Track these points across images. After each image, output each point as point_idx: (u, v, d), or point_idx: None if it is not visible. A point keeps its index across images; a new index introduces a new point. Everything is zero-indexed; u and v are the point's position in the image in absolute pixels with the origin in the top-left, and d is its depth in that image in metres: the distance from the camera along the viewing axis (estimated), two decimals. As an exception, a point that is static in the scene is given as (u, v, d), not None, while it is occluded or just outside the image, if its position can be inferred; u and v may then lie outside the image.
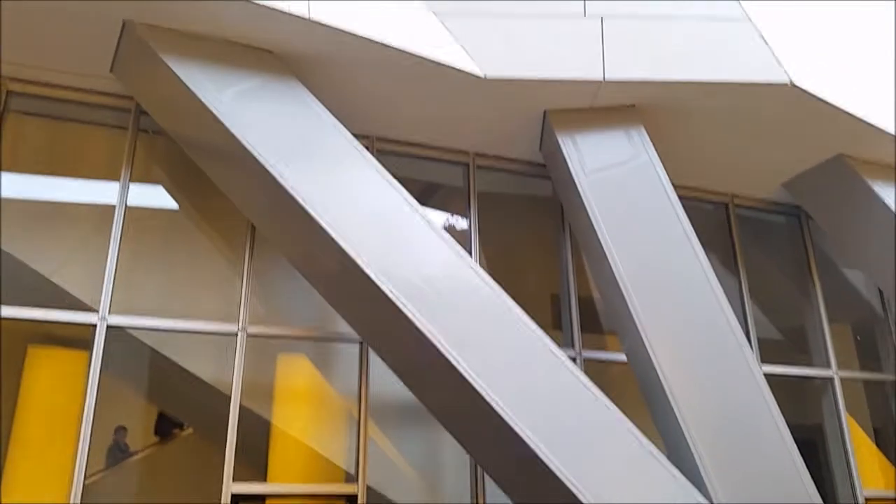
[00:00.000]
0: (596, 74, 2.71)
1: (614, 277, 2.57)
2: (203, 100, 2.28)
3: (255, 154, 2.28)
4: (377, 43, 2.47)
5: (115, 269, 2.49)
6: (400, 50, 2.50)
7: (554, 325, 3.12)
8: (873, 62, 3.22)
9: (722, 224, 3.60)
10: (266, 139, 2.32)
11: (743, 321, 3.37)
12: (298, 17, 2.34)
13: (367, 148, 2.81)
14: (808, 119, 2.96)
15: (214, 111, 2.29)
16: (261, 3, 2.27)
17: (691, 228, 2.70)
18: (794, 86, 2.78)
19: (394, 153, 3.02)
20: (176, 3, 2.27)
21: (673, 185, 2.78)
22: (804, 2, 3.13)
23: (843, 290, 3.85)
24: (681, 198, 2.78)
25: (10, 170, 2.61)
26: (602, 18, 2.75)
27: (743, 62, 2.79)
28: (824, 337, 3.51)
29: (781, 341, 3.71)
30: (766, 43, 2.81)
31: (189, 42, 2.34)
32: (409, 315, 2.25)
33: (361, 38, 2.44)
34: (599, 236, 2.62)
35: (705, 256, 2.67)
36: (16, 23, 2.32)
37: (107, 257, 2.49)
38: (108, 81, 2.60)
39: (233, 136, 2.29)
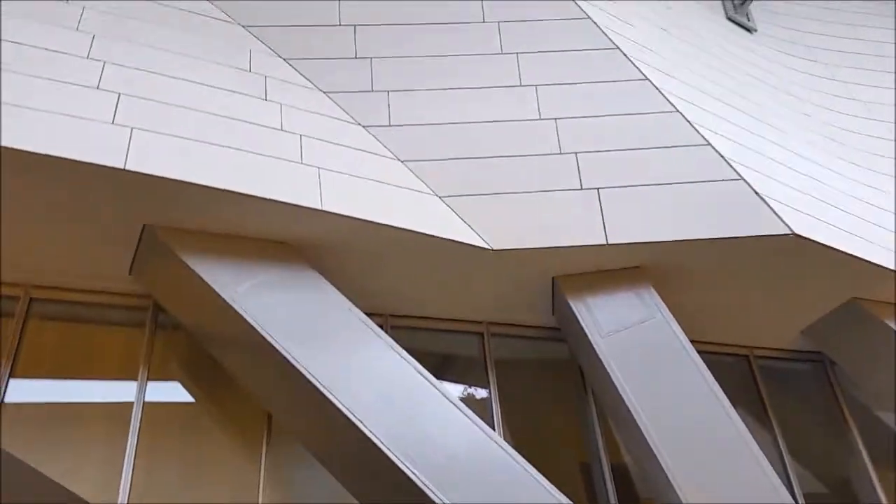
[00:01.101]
0: (598, 239, 2.79)
1: (646, 442, 2.49)
2: (221, 294, 2.35)
3: (271, 340, 2.31)
4: (386, 226, 2.57)
5: (133, 468, 2.45)
6: (409, 230, 2.61)
7: (587, 496, 2.99)
8: (868, 205, 3.32)
9: (746, 377, 3.55)
10: (281, 325, 2.36)
11: (785, 477, 3.23)
12: (311, 209, 2.46)
13: (382, 326, 2.84)
14: (815, 266, 3.00)
15: (232, 303, 2.34)
16: (275, 199, 2.40)
17: (717, 384, 2.66)
18: (796, 235, 2.84)
19: (408, 328, 3.05)
20: (194, 207, 2.39)
21: (690, 341, 2.77)
22: (791, 155, 3.29)
23: (882, 434, 3.72)
24: (700, 353, 2.77)
25: (26, 375, 2.63)
26: (598, 190, 2.88)
27: (740, 217, 2.87)
28: (873, 485, 3.35)
29: (828, 494, 3.54)
30: (761, 196, 2.90)
31: (207, 241, 2.44)
32: (436, 500, 2.17)
33: (371, 223, 2.54)
34: (625, 400, 2.57)
35: (734, 412, 2.61)
36: (39, 230, 2.43)
37: (124, 456, 2.45)
38: (126, 283, 2.68)
39: (249, 325, 2.33)
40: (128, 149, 2.26)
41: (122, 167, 2.21)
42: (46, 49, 2.44)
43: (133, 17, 2.71)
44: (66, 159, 2.16)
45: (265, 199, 2.37)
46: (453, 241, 2.67)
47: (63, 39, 2.50)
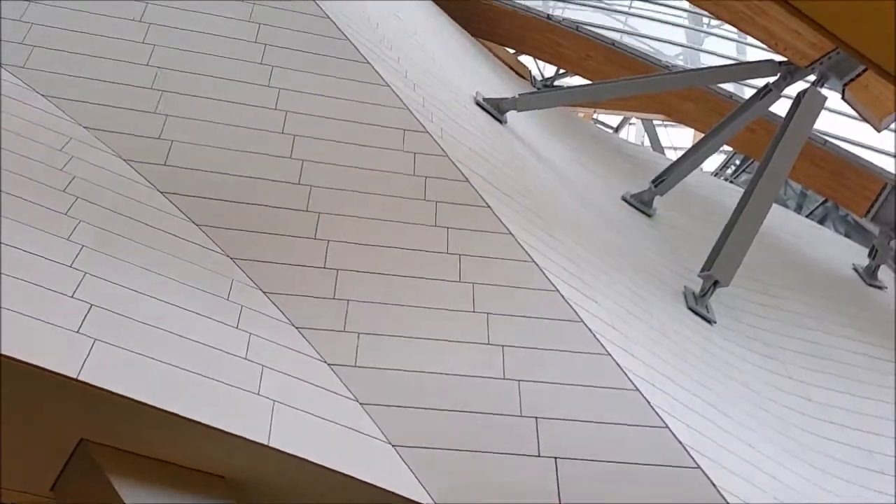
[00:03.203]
0: (552, 510, 2.69)
1: None
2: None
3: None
4: (331, 470, 2.49)
5: None
6: (353, 477, 2.52)
7: None
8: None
9: None
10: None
11: None
12: (258, 443, 2.39)
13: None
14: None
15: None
16: (222, 429, 2.35)
17: None
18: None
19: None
20: (138, 427, 2.33)
21: None
22: (749, 449, 3.30)
23: None
24: None
25: None
26: (556, 459, 2.84)
27: None
28: None
29: None
30: (718, 489, 2.85)
31: (141, 464, 2.34)
32: None
33: (316, 465, 2.46)
34: None
35: None
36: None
37: None
38: (44, 499, 2.51)
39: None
40: (85, 359, 2.26)
41: (74, 376, 2.20)
42: (34, 254, 2.54)
43: (126, 236, 2.86)
44: (18, 360, 2.15)
45: (211, 426, 2.32)
46: (397, 494, 2.57)
47: (52, 246, 2.61)
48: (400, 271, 3.22)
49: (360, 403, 2.85)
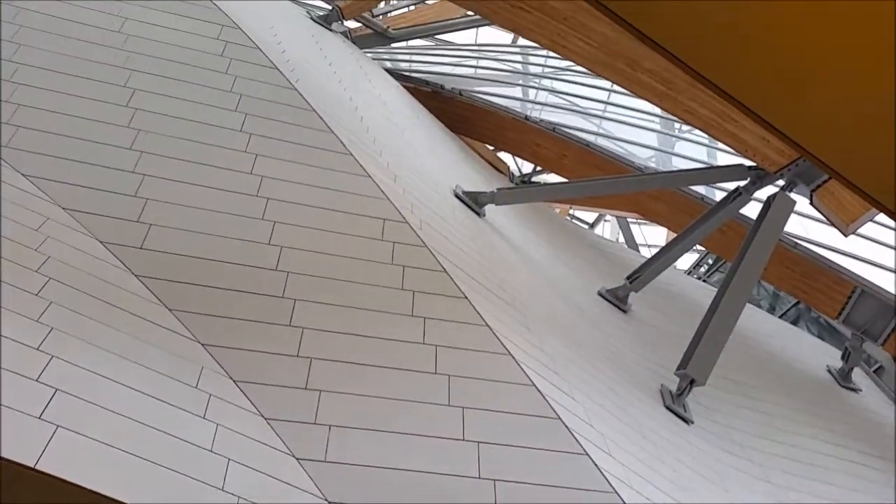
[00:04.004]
0: None
1: None
2: None
3: None
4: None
5: None
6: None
7: None
8: None
9: None
10: None
11: None
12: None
13: None
14: None
15: None
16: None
17: None
18: None
19: None
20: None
21: None
22: None
23: None
24: None
25: None
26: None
27: None
28: None
29: None
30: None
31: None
32: None
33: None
34: None
35: None
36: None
37: None
38: None
39: None
40: (45, 447, 2.16)
41: (32, 465, 2.10)
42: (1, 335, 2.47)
43: (96, 319, 2.80)
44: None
45: (172, 524, 2.21)
46: None
47: (20, 327, 2.54)
48: (375, 361, 3.17)
49: (328, 502, 2.74)
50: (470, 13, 7.62)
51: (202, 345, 3.00)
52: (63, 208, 3.26)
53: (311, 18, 6.70)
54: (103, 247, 3.18)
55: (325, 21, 6.78)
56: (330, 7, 6.97)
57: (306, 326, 3.18)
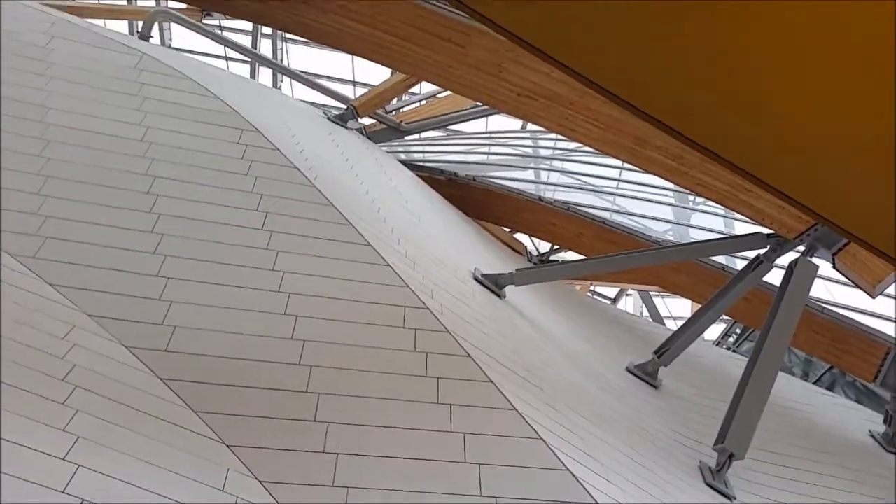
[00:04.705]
0: None
1: None
2: None
3: None
4: None
5: None
6: None
7: None
8: None
9: None
10: None
11: None
12: None
13: None
14: None
15: None
16: None
17: None
18: None
19: None
20: None
21: None
22: None
23: None
24: None
25: None
26: None
27: None
28: None
29: None
30: None
31: None
32: None
33: None
34: None
35: None
36: None
37: None
38: None
39: None
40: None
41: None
42: (27, 446, 2.46)
43: (123, 425, 2.79)
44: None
45: None
46: None
47: (47, 438, 2.54)
48: (402, 454, 3.11)
49: None
50: (479, 104, 7.85)
51: (227, 446, 2.97)
52: (88, 315, 3.30)
53: (328, 118, 6.93)
54: (128, 352, 3.20)
55: (341, 119, 7.01)
56: (345, 106, 7.23)
57: (331, 421, 3.15)
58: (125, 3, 11.45)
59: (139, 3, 11.35)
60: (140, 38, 8.59)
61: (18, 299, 3.26)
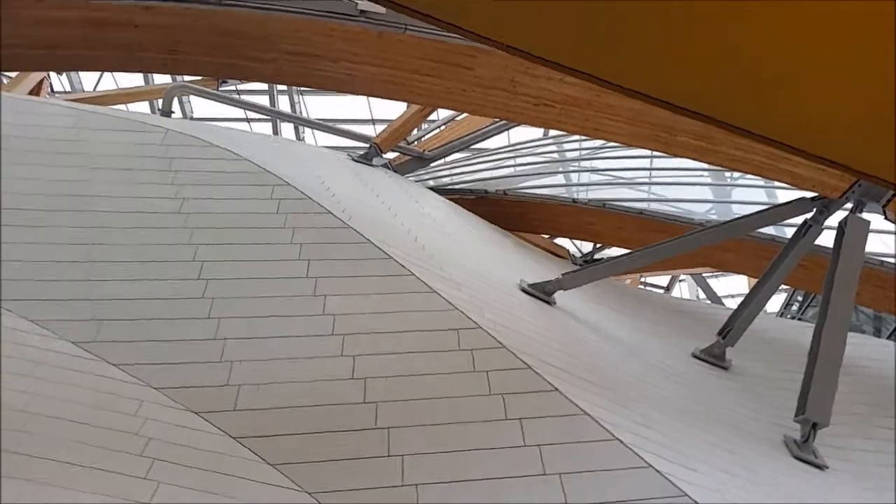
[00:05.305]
0: None
1: None
2: None
3: None
4: None
5: None
6: None
7: None
8: None
9: None
10: None
11: None
12: None
13: None
14: None
15: None
16: None
17: None
18: None
19: None
20: None
21: None
22: None
23: None
24: None
25: None
26: None
27: None
28: None
29: None
30: None
31: None
32: None
33: None
34: None
35: None
36: None
37: None
38: None
39: None
40: None
41: None
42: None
43: (206, 489, 2.84)
44: None
45: None
46: None
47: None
48: (479, 475, 3.10)
49: None
50: (498, 119, 7.89)
51: (309, 493, 3.00)
52: (155, 388, 3.38)
53: (353, 159, 7.04)
54: (199, 417, 3.27)
55: (366, 158, 7.11)
56: (368, 145, 7.32)
57: (405, 453, 3.16)
58: (143, 84, 11.83)
59: (156, 82, 11.71)
60: (162, 114, 8.86)
61: (86, 384, 3.36)
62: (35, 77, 9.14)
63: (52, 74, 10.46)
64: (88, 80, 13.05)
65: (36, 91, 9.19)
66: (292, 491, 3.00)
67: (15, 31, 4.26)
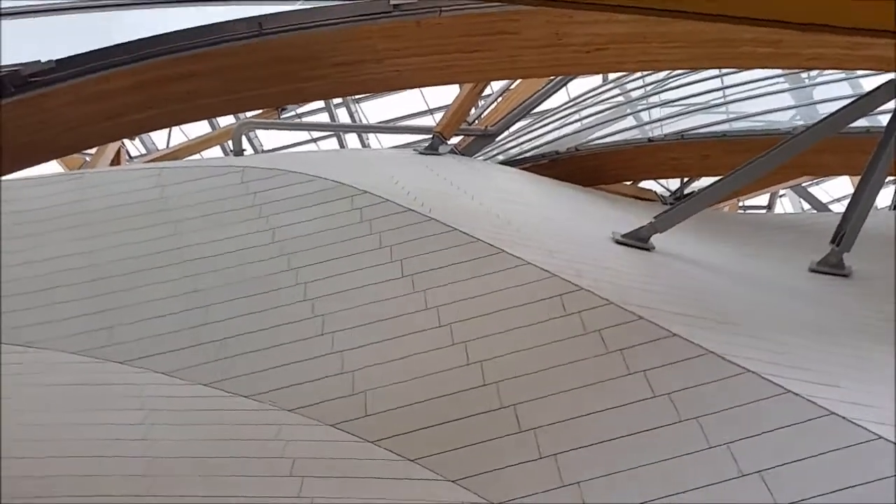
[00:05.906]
0: None
1: None
2: None
3: None
4: None
5: None
6: None
7: None
8: None
9: None
10: None
11: None
12: None
13: None
14: None
15: None
16: None
17: None
18: None
19: None
20: None
21: None
22: None
23: None
24: None
25: None
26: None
27: None
28: None
29: None
30: None
31: None
32: None
33: None
34: None
35: None
36: None
37: None
38: None
39: None
40: None
41: None
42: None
43: (357, 497, 2.96)
44: None
45: None
46: None
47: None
48: (616, 433, 3.08)
49: None
50: (553, 77, 7.75)
51: (453, 482, 3.07)
52: (289, 411, 3.54)
53: (419, 153, 7.09)
54: (335, 429, 3.40)
55: (432, 149, 7.15)
56: (431, 136, 7.36)
57: (536, 426, 3.18)
58: (210, 129, 12.30)
59: (221, 125, 12.14)
60: (235, 154, 9.17)
61: (225, 419, 3.55)
62: (112, 148, 9.65)
63: (126, 140, 11.00)
64: (159, 138, 13.67)
65: (116, 161, 9.71)
66: (437, 482, 3.07)
67: (77, 112, 4.48)
